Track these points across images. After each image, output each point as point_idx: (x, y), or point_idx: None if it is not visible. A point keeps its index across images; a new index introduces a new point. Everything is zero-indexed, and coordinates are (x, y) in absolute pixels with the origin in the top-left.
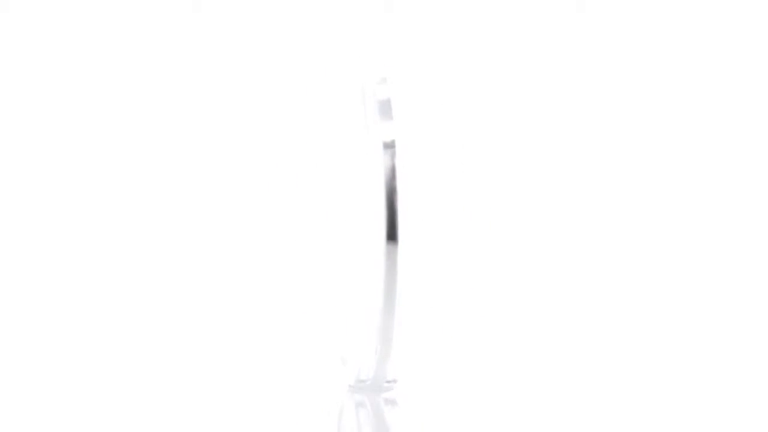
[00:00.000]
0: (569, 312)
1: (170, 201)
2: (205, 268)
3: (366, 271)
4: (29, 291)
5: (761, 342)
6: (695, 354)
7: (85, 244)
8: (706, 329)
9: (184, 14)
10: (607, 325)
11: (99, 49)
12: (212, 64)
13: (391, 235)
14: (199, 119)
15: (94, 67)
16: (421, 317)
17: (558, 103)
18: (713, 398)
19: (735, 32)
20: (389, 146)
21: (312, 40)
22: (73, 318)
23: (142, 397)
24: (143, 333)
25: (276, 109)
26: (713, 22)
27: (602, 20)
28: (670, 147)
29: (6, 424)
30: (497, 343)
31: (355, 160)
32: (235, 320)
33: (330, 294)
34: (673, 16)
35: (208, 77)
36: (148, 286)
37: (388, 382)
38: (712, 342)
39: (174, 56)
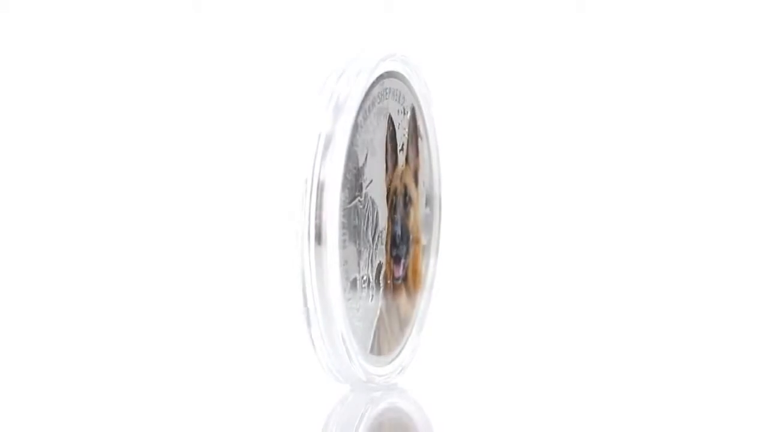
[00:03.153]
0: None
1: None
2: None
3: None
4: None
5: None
6: (694, 353)
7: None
8: (708, 329)
9: (184, 14)
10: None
11: (99, 48)
12: (212, 64)
13: (319, 237)
14: (197, 117)
15: (94, 67)
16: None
17: (556, 104)
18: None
19: (735, 32)
20: (328, 142)
21: (311, 41)
22: (55, 315)
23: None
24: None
25: (269, 108)
26: (713, 22)
27: (602, 20)
28: (669, 147)
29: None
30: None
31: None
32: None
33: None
34: (673, 16)
35: (208, 77)
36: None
37: (366, 381)
38: (714, 342)
39: (174, 56)
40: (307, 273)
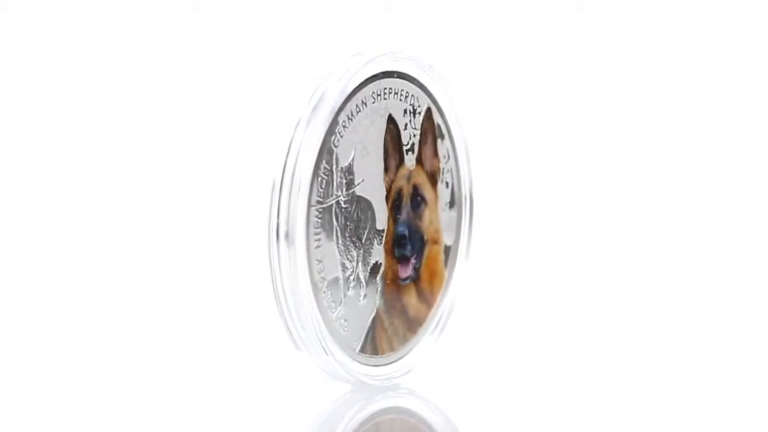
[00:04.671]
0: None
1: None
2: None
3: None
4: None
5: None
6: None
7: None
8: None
9: (184, 14)
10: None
11: (99, 49)
12: (211, 64)
13: (285, 235)
14: (192, 115)
15: (94, 67)
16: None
17: (557, 104)
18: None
19: (735, 32)
20: (301, 140)
21: (311, 41)
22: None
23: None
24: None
25: (261, 107)
26: (713, 22)
27: (602, 20)
28: (669, 147)
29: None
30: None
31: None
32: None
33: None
34: (673, 16)
35: (208, 77)
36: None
37: (354, 381)
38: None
39: (174, 56)
40: (276, 271)
